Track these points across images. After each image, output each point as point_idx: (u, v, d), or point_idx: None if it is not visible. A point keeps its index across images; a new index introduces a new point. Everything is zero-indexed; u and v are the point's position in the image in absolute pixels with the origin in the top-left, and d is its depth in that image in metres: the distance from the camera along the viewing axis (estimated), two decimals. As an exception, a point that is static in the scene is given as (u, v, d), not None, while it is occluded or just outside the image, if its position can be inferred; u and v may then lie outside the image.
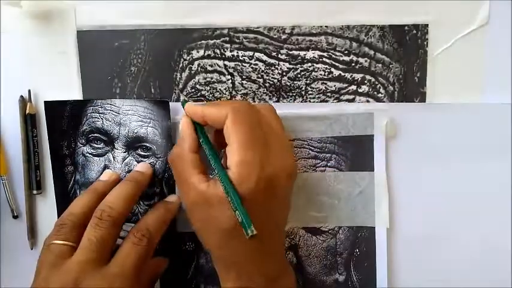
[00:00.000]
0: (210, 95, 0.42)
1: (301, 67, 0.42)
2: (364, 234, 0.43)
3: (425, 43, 0.41)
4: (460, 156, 0.42)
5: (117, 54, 0.42)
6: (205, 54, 0.42)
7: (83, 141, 0.43)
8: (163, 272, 0.42)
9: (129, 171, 0.42)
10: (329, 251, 0.43)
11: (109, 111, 0.42)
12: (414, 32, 0.41)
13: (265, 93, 0.42)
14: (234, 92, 0.42)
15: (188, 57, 0.42)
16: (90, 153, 0.43)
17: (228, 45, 0.41)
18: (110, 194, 0.38)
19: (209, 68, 0.42)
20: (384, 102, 0.42)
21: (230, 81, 0.42)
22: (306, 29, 0.41)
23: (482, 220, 0.42)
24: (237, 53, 0.42)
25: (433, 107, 0.41)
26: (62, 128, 0.42)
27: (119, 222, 0.36)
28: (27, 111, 0.42)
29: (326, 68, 0.41)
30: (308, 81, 0.42)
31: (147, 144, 0.42)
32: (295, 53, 0.41)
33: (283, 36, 0.41)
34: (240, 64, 0.42)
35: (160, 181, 0.42)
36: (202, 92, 0.42)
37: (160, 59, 0.42)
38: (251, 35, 0.41)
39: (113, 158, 0.42)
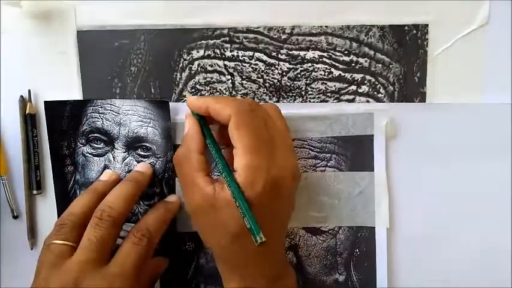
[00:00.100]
0: (210, 95, 0.42)
1: (301, 67, 0.42)
2: (364, 234, 0.43)
3: (425, 43, 0.41)
4: (460, 156, 0.42)
5: (117, 54, 0.42)
6: (205, 54, 0.42)
7: (83, 141, 0.43)
8: (163, 272, 0.42)
9: (129, 171, 0.42)
10: (329, 251, 0.43)
11: (109, 111, 0.42)
12: (414, 32, 0.41)
13: (265, 93, 0.42)
14: (234, 92, 0.42)
15: (188, 57, 0.42)
16: (90, 153, 0.43)
17: (228, 45, 0.41)
18: (110, 194, 0.38)
19: (209, 68, 0.42)
20: (384, 102, 0.42)
21: (230, 81, 0.42)
22: (306, 29, 0.41)
23: (482, 220, 0.42)
24: (237, 53, 0.42)
25: (433, 107, 0.41)
26: (62, 128, 0.42)
27: (119, 222, 0.36)
28: (27, 111, 0.42)
29: (326, 68, 0.41)
30: (308, 81, 0.42)
31: (147, 144, 0.42)
32: (295, 53, 0.41)
33: (283, 36, 0.41)
34: (240, 64, 0.42)
35: (160, 181, 0.42)
36: (203, 92, 0.42)
37: (160, 59, 0.42)
38: (251, 35, 0.41)
39: (113, 158, 0.42)
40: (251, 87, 0.42)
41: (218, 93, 0.42)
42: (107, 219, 0.36)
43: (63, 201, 0.43)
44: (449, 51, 0.41)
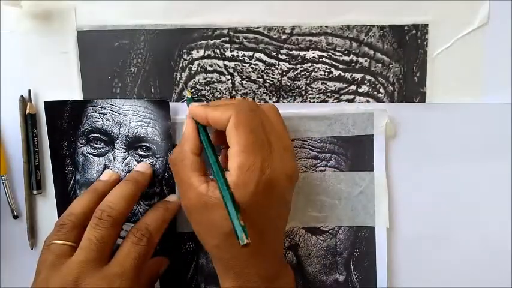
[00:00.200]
0: (210, 95, 0.42)
1: (301, 67, 0.42)
2: (364, 234, 0.43)
3: (425, 43, 0.41)
4: (460, 156, 0.42)
5: (117, 54, 0.42)
6: (205, 54, 0.42)
7: (83, 141, 0.43)
8: (163, 272, 0.42)
9: (129, 171, 0.42)
10: (329, 250, 0.43)
11: (109, 111, 0.42)
12: (414, 32, 0.41)
13: (265, 93, 0.42)
14: (234, 92, 0.42)
15: (188, 57, 0.42)
16: (90, 153, 0.43)
17: (228, 45, 0.41)
18: (110, 194, 0.38)
19: (209, 68, 0.42)
20: (383, 102, 0.42)
21: (230, 81, 0.42)
22: (306, 29, 0.41)
23: (482, 220, 0.42)
24: (237, 53, 0.42)
25: (433, 107, 0.41)
26: (62, 128, 0.43)
27: (119, 222, 0.36)
28: (27, 111, 0.42)
29: (326, 68, 0.41)
30: (308, 81, 0.42)
31: (147, 144, 0.42)
32: (295, 53, 0.41)
33: (283, 36, 0.41)
34: (240, 64, 0.42)
35: (160, 181, 0.42)
36: (202, 92, 0.42)
37: (160, 59, 0.42)
38: (251, 35, 0.41)
39: (113, 158, 0.42)
40: (251, 87, 0.42)
41: (218, 93, 0.42)
42: (107, 219, 0.36)
43: (63, 201, 0.43)
44: (449, 51, 0.41)
